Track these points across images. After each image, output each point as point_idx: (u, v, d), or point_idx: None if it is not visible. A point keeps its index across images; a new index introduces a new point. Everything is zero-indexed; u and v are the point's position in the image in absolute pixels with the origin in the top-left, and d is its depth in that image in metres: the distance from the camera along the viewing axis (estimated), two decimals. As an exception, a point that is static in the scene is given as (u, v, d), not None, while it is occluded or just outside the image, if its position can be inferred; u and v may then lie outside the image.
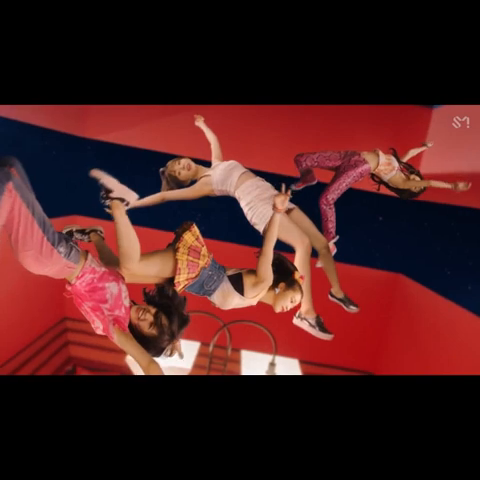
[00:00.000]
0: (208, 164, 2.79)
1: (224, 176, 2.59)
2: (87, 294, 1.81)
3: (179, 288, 1.95)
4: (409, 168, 2.85)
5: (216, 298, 2.05)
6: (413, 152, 3.00)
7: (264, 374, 4.49)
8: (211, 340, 4.43)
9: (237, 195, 2.55)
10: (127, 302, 1.86)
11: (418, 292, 4.97)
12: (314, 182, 2.93)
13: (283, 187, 2.05)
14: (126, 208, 1.84)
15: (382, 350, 5.62)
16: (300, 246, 2.37)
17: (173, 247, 1.99)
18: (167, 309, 1.86)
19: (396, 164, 2.79)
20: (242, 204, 2.53)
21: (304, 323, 2.43)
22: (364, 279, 5.24)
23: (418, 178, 2.83)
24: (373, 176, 2.84)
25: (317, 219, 2.64)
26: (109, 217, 2.19)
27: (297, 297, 2.11)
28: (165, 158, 2.73)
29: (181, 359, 1.96)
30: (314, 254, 2.52)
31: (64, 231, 2.13)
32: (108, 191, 1.81)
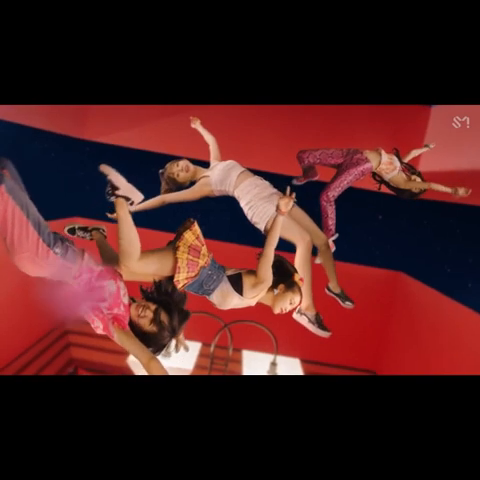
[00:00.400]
0: (208, 165, 2.79)
1: (223, 176, 2.59)
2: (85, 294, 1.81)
3: (178, 287, 1.95)
4: (410, 169, 2.86)
5: (215, 298, 2.05)
6: (415, 153, 3.01)
7: (266, 374, 4.48)
8: (212, 340, 4.43)
9: (236, 195, 2.56)
10: (126, 300, 1.86)
11: (418, 290, 4.97)
12: (316, 177, 2.95)
13: (288, 190, 2.05)
14: (130, 207, 1.84)
15: (383, 348, 5.62)
16: (301, 243, 2.38)
17: (173, 245, 1.99)
18: (167, 305, 1.86)
19: (398, 164, 2.80)
20: (242, 204, 2.53)
21: (303, 318, 2.45)
22: (365, 278, 5.24)
23: (419, 179, 2.83)
24: (374, 175, 2.84)
25: (317, 217, 2.64)
26: (109, 219, 2.19)
27: (296, 299, 2.12)
28: (164, 159, 2.74)
29: (187, 352, 1.97)
30: (314, 252, 2.52)
31: (66, 229, 2.13)
32: (114, 188, 1.81)
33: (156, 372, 1.69)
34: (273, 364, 4.53)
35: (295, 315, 2.45)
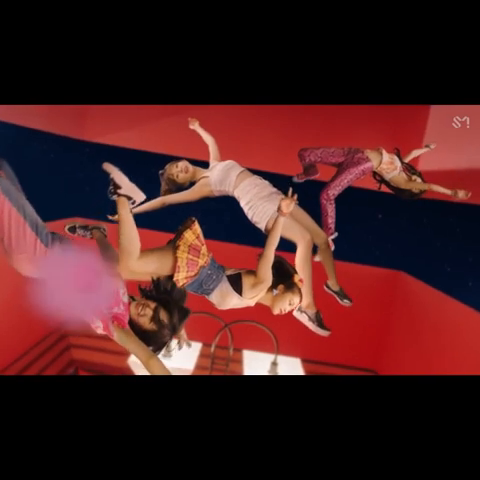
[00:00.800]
0: (208, 165, 2.79)
1: (222, 176, 2.60)
2: None
3: (178, 286, 1.95)
4: (411, 169, 2.87)
5: (214, 297, 2.06)
6: (416, 153, 3.03)
7: (266, 374, 4.48)
8: (213, 341, 4.43)
9: (236, 195, 2.56)
10: (126, 298, 1.86)
11: (419, 289, 4.97)
12: (316, 175, 2.96)
13: (290, 191, 2.05)
14: (132, 207, 1.84)
15: (384, 347, 5.62)
16: (301, 242, 2.39)
17: (173, 244, 1.99)
18: (166, 303, 1.85)
19: (399, 164, 2.81)
20: (242, 203, 2.53)
21: (303, 316, 2.46)
22: (365, 277, 5.24)
23: (419, 179, 2.84)
24: (375, 174, 2.85)
25: (316, 216, 2.65)
26: (109, 219, 2.20)
27: (295, 300, 2.12)
28: (164, 159, 2.74)
29: (190, 347, 1.97)
30: (314, 250, 2.53)
31: (67, 227, 2.13)
32: (117, 187, 1.81)
33: (156, 370, 1.69)
34: (274, 364, 4.53)
35: (295, 313, 2.46)
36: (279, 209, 2.00)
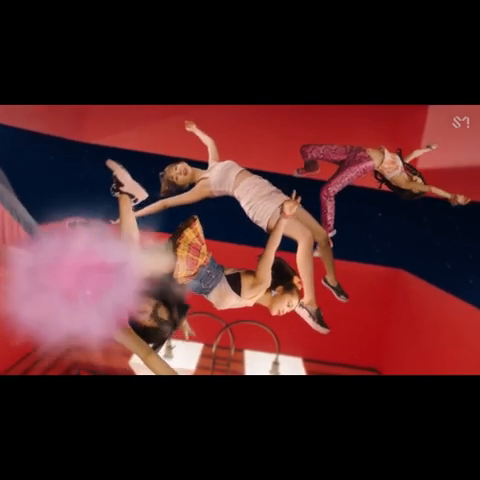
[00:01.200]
0: (208, 166, 2.80)
1: (221, 177, 2.60)
2: None
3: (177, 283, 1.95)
4: (411, 169, 2.88)
5: (213, 297, 2.06)
6: (417, 153, 3.05)
7: (268, 373, 4.49)
8: (214, 341, 4.44)
9: (236, 195, 2.57)
10: None
11: (419, 287, 4.97)
12: (317, 171, 2.99)
13: (293, 194, 2.06)
14: (134, 205, 1.85)
15: (385, 346, 5.62)
16: (302, 239, 2.40)
17: (174, 243, 1.99)
18: (166, 299, 1.85)
19: (400, 163, 2.83)
20: (242, 203, 2.54)
21: (304, 312, 2.48)
22: (365, 275, 5.24)
23: (420, 180, 2.86)
24: (376, 173, 2.86)
25: (316, 216, 2.65)
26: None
27: (294, 301, 2.13)
28: (164, 160, 2.75)
29: (193, 334, 1.98)
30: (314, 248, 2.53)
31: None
32: (119, 184, 1.82)
33: (155, 366, 1.71)
34: (275, 363, 4.54)
35: (297, 308, 2.47)
36: (282, 211, 2.00)
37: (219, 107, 2.86)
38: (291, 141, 3.24)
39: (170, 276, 1.95)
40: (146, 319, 1.82)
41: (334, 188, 2.69)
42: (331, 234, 2.69)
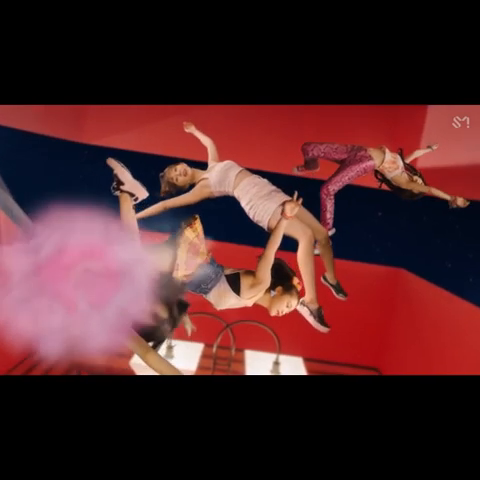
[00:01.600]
0: (207, 166, 2.80)
1: (221, 177, 2.61)
2: None
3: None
4: (412, 169, 2.89)
5: (212, 297, 2.06)
6: (418, 153, 3.06)
7: (269, 373, 4.49)
8: (214, 341, 4.44)
9: (236, 195, 2.57)
10: None
11: (420, 286, 4.97)
12: (317, 169, 3.01)
13: (295, 195, 2.06)
14: (134, 203, 1.85)
15: (386, 345, 5.62)
16: (303, 237, 2.41)
17: (173, 242, 1.99)
18: (165, 298, 1.84)
19: (401, 163, 2.84)
20: (242, 204, 2.54)
21: (305, 310, 2.49)
22: (365, 275, 5.24)
23: (420, 180, 2.87)
24: (376, 173, 2.87)
25: (317, 215, 2.65)
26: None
27: (293, 302, 2.13)
28: (164, 161, 2.75)
29: (195, 329, 1.98)
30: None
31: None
32: (120, 183, 1.82)
33: (154, 364, 1.71)
34: (276, 363, 4.54)
35: (298, 306, 2.48)
36: (283, 212, 2.00)
37: (219, 107, 2.86)
38: (291, 141, 3.25)
39: (168, 274, 1.95)
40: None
41: (334, 186, 2.69)
42: (330, 233, 2.70)
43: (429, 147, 3.08)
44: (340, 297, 2.67)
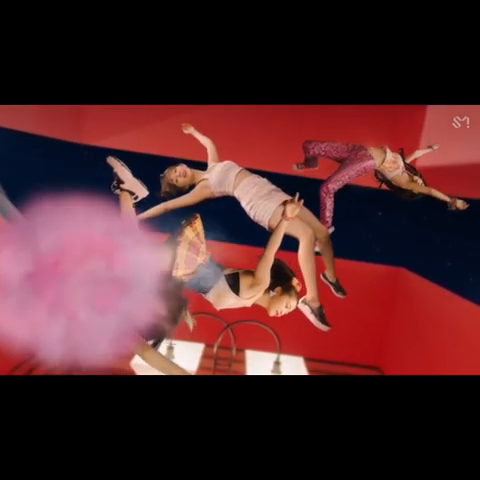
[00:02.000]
0: (207, 166, 2.80)
1: (221, 177, 2.61)
2: None
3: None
4: (412, 169, 2.90)
5: (211, 297, 2.06)
6: (418, 153, 3.08)
7: (270, 373, 4.49)
8: (215, 341, 4.44)
9: (236, 195, 2.57)
10: None
11: (420, 285, 4.98)
12: (316, 167, 3.03)
13: (296, 196, 2.06)
14: (134, 202, 1.85)
15: (386, 344, 5.62)
16: (304, 236, 2.41)
17: (174, 241, 1.99)
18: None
19: (401, 163, 2.85)
20: (243, 204, 2.55)
21: (306, 308, 2.50)
22: (366, 274, 5.24)
23: (420, 181, 2.89)
24: (377, 173, 2.87)
25: (317, 214, 2.66)
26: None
27: (292, 303, 2.13)
28: (164, 162, 2.76)
29: (196, 324, 1.98)
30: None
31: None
32: (120, 182, 1.83)
33: (153, 361, 1.73)
34: (277, 363, 4.54)
35: (299, 304, 2.48)
36: (284, 213, 2.01)
37: (219, 107, 2.86)
38: (291, 141, 3.25)
39: (168, 272, 1.95)
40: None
41: (334, 185, 2.70)
42: (329, 231, 2.70)
43: (430, 147, 3.09)
44: (339, 295, 2.68)
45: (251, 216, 2.52)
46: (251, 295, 2.06)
